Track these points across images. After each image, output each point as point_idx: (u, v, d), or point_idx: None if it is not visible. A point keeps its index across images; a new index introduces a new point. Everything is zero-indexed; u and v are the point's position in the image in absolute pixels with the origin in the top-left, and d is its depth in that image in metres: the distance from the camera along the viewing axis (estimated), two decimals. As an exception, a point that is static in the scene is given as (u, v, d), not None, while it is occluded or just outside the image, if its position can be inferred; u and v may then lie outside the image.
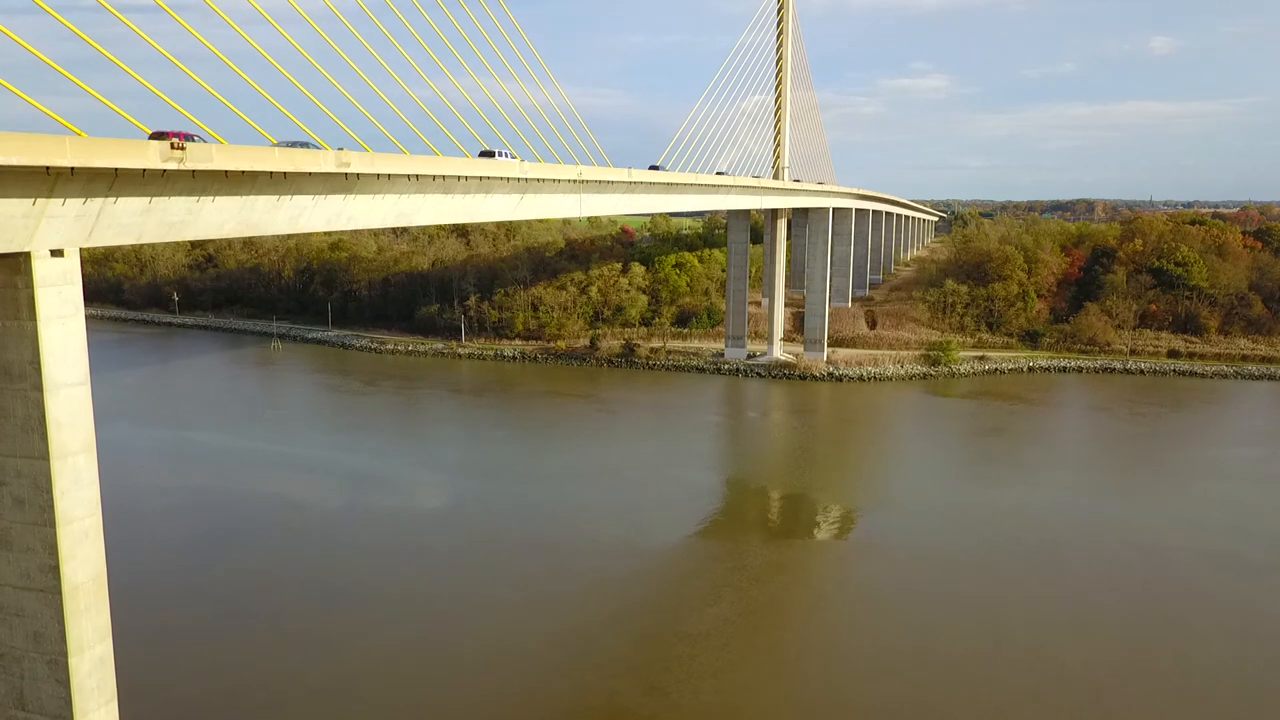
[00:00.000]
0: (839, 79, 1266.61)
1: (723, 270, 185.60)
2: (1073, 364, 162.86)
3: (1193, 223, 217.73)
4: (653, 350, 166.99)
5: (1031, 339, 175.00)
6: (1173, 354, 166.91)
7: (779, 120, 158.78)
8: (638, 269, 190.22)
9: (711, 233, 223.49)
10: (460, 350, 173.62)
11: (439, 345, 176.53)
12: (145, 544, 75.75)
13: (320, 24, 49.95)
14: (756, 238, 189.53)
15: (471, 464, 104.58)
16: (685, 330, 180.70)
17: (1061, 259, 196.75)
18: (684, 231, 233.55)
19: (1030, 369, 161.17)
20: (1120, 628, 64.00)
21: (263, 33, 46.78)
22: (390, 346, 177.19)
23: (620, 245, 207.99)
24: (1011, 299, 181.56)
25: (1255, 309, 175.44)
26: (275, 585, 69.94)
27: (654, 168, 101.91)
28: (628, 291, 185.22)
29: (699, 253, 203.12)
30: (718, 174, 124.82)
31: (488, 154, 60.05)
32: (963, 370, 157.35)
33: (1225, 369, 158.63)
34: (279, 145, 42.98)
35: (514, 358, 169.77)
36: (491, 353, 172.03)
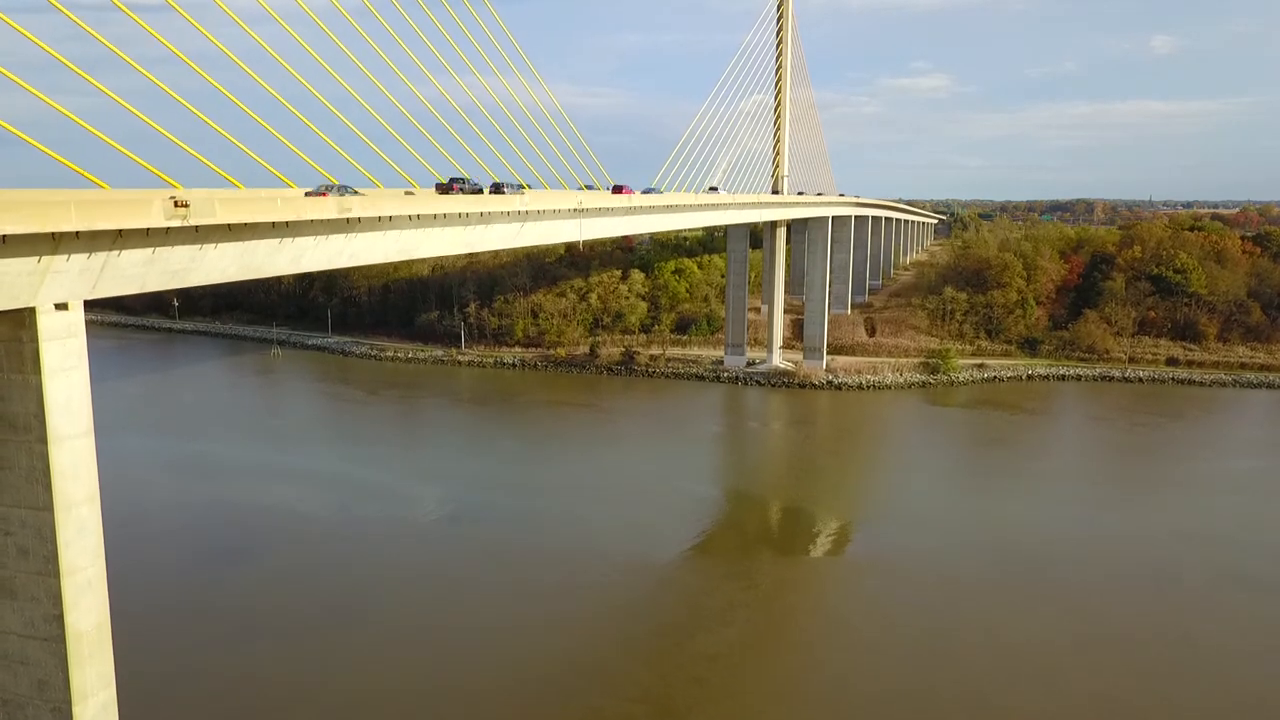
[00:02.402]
0: (839, 79, 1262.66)
1: (722, 276, 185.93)
2: (1071, 372, 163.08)
3: (1192, 228, 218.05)
4: (652, 358, 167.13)
5: (1030, 346, 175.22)
6: (1171, 362, 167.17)
7: (778, 130, 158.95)
8: (637, 276, 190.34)
9: (711, 238, 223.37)
10: (460, 357, 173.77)
11: (439, 352, 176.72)
12: (151, 560, 75.78)
13: (317, 26, 50.46)
14: (756, 242, 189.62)
15: (477, 476, 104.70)
16: (685, 337, 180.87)
17: (1060, 265, 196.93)
18: (683, 236, 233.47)
19: (1029, 377, 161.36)
20: (1125, 645, 64.17)
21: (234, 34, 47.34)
22: (390, 353, 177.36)
23: (620, 251, 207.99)
24: (1010, 306, 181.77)
25: (1254, 316, 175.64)
26: (281, 603, 70.03)
27: (649, 190, 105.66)
28: (627, 298, 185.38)
29: (698, 258, 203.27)
30: (711, 189, 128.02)
31: (446, 188, 60.56)
32: (961, 378, 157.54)
33: (1224, 377, 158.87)
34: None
35: (514, 365, 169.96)
36: (491, 360, 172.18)
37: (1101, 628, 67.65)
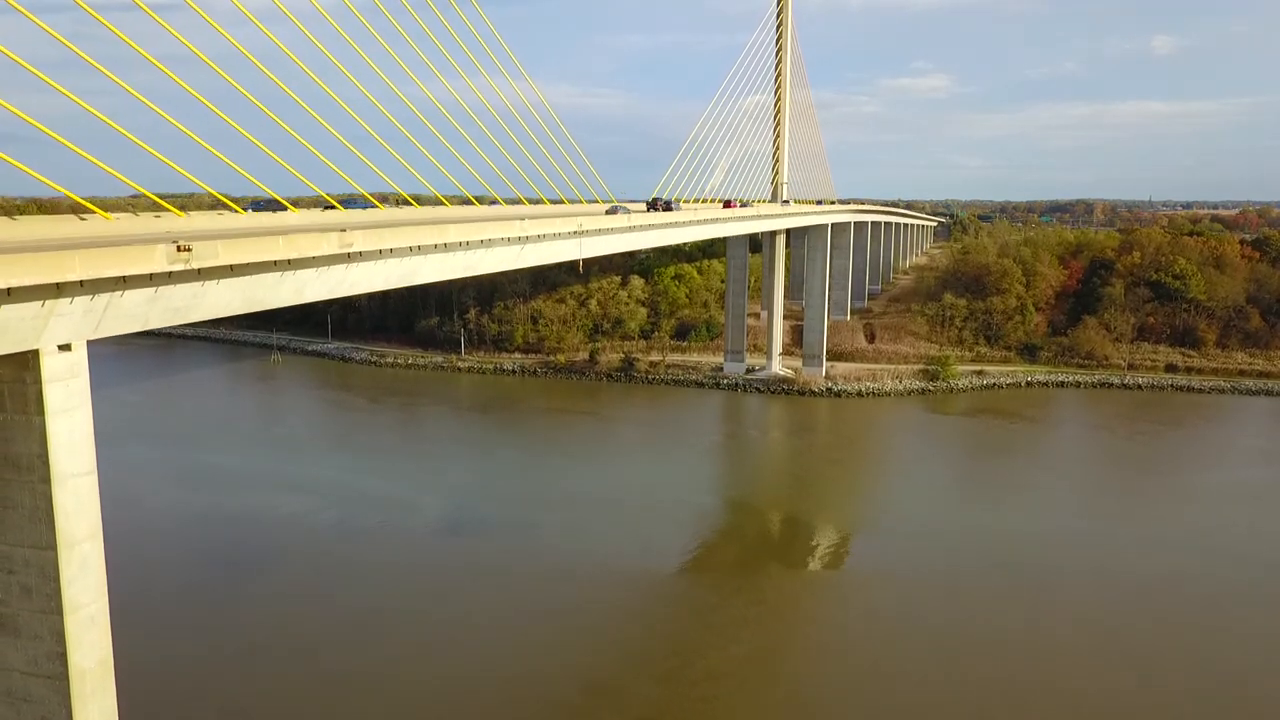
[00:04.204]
0: (839, 79, 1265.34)
1: (721, 281, 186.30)
2: (1070, 378, 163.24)
3: (1190, 233, 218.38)
4: (652, 364, 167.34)
5: (1029, 352, 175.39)
6: (1170, 368, 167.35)
7: (778, 137, 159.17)
8: (637, 281, 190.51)
9: (710, 243, 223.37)
10: (460, 364, 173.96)
11: (438, 358, 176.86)
12: (154, 575, 75.88)
13: (298, 29, 50.90)
14: (756, 246, 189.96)
15: (480, 487, 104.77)
16: (684, 343, 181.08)
17: (1059, 271, 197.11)
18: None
19: (1028, 384, 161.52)
20: (1133, 658, 64.36)
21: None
22: (390, 359, 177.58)
23: (620, 257, 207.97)
24: (1010, 312, 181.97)
25: (1253, 322, 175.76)
26: (286, 622, 70.06)
27: (657, 205, 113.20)
28: (627, 304, 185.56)
29: (698, 263, 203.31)
30: (784, 203, 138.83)
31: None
32: (961, 385, 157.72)
33: (1222, 384, 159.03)
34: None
35: (514, 371, 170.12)
36: (491, 366, 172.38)
37: (1109, 641, 67.89)
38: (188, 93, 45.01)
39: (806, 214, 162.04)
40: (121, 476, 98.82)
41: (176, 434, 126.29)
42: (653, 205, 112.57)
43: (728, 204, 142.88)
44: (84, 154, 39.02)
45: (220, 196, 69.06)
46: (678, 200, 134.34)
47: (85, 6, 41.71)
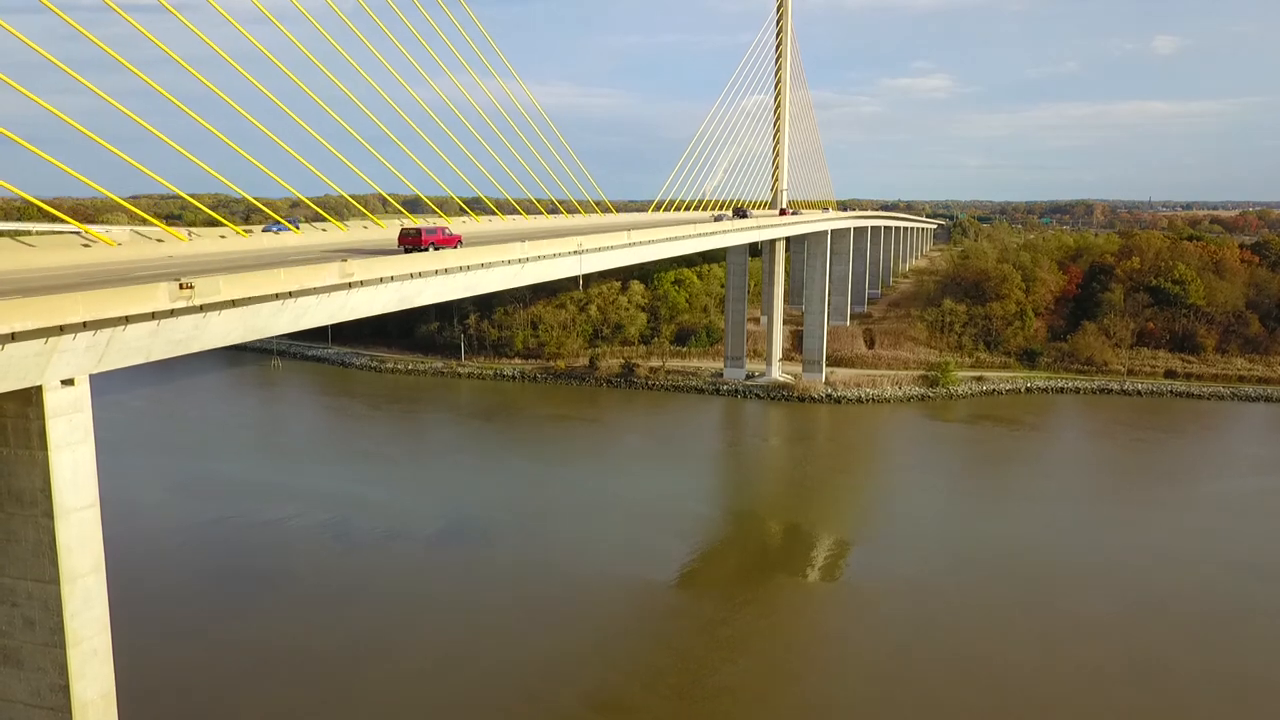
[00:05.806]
0: (839, 79, 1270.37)
1: (721, 286, 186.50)
2: (1070, 384, 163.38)
3: (1190, 237, 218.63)
4: (652, 370, 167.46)
5: (1029, 358, 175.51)
6: (1170, 374, 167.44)
7: (777, 143, 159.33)
8: (637, 287, 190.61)
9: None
10: (460, 369, 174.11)
11: (438, 364, 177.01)
12: (157, 586, 75.99)
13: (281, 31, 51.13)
14: (756, 250, 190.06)
15: (485, 496, 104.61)
16: (684, 349, 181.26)
17: (1059, 276, 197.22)
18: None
19: (1028, 390, 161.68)
20: (1139, 673, 64.54)
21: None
22: (390, 365, 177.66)
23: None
24: (1009, 318, 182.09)
25: (1252, 327, 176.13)
26: (293, 636, 70.01)
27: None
28: (627, 309, 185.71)
29: (698, 268, 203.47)
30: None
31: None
32: (960, 391, 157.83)
33: (1222, 390, 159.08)
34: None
35: (514, 377, 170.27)
36: (491, 372, 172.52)
37: (1112, 645, 68.20)
38: (172, 100, 45.26)
39: (807, 221, 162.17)
40: (124, 484, 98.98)
41: (179, 441, 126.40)
42: (736, 212, 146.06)
43: (783, 211, 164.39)
44: (71, 170, 39.24)
45: (212, 213, 69.28)
46: (748, 206, 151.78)
47: (56, 9, 41.94)
